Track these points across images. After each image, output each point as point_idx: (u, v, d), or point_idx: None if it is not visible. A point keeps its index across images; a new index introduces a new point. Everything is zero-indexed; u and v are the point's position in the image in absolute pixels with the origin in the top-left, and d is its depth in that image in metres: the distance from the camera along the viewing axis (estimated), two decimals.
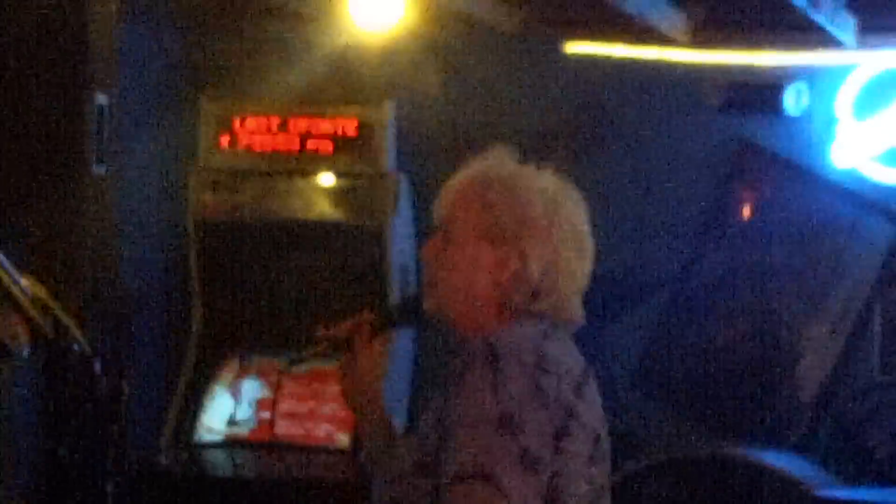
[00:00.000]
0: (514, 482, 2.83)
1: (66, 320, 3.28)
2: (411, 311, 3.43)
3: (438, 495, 2.91)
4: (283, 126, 6.87)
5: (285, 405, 6.66)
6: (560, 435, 2.91)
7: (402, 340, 6.88)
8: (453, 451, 2.86)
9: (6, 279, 3.23)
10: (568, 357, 3.03)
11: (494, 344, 2.93)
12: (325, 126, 6.87)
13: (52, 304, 3.36)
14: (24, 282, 3.48)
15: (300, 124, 6.87)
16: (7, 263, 3.32)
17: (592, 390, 3.04)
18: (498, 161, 3.08)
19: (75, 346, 3.19)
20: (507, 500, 2.84)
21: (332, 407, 6.64)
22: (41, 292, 3.36)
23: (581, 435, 2.94)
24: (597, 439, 2.99)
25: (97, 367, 3.24)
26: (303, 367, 5.80)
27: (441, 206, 3.06)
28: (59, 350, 3.19)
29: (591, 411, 3.00)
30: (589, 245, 3.06)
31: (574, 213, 3.05)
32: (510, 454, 2.84)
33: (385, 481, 3.14)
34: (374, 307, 3.30)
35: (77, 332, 3.28)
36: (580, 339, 3.09)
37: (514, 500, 2.83)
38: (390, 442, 3.22)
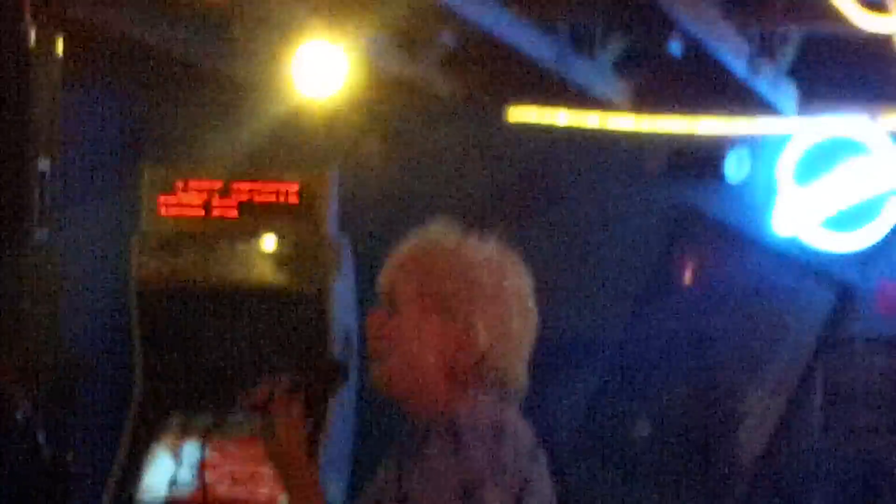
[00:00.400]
0: None
1: (9, 388, 3.27)
2: (340, 372, 3.39)
3: None
4: (225, 191, 6.87)
5: (227, 467, 6.58)
6: (519, 502, 2.92)
7: (343, 395, 6.63)
8: None
9: None
10: (522, 430, 3.02)
11: (455, 421, 2.93)
12: (267, 191, 6.88)
13: None
14: None
15: (242, 189, 6.87)
16: None
17: (543, 459, 3.04)
18: (441, 232, 3.09)
19: (18, 415, 3.17)
20: None
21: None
22: None
23: (535, 502, 2.95)
24: None
25: (40, 437, 3.23)
26: (227, 430, 5.86)
27: (384, 278, 3.05)
28: (1, 418, 3.19)
29: (544, 480, 3.00)
30: (533, 313, 3.06)
31: (518, 281, 3.06)
32: None
33: None
34: (296, 369, 3.28)
35: (21, 400, 3.28)
36: (521, 404, 3.08)
37: None
38: None
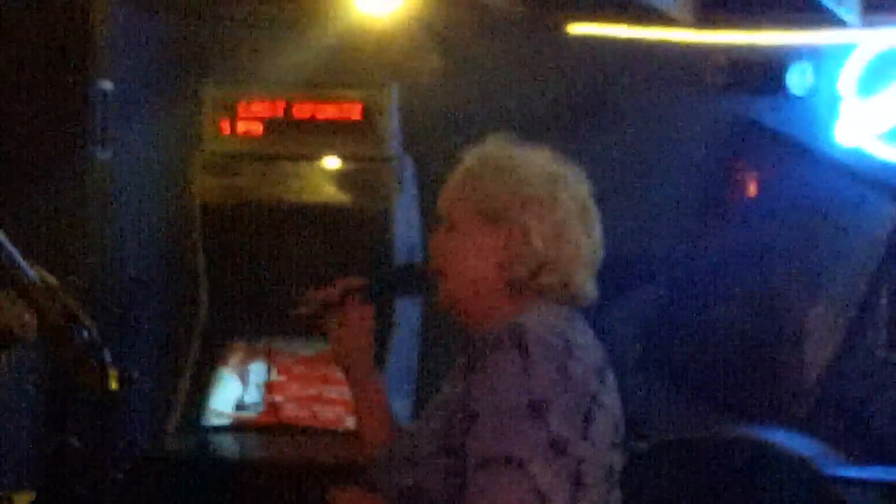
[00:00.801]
0: (543, 468, 2.87)
1: (75, 308, 3.27)
2: (408, 278, 3.59)
3: (462, 478, 2.93)
4: (287, 110, 6.77)
5: (293, 388, 6.67)
6: (587, 419, 2.95)
7: (406, 315, 6.82)
8: (480, 436, 2.89)
9: (13, 265, 3.20)
10: (590, 343, 3.06)
11: (522, 330, 2.94)
12: (330, 110, 6.77)
13: (60, 291, 3.35)
14: (32, 268, 3.41)
15: (304, 108, 6.76)
16: (13, 249, 3.30)
17: (611, 377, 3.07)
18: (496, 147, 3.14)
19: (84, 334, 3.16)
20: (535, 486, 2.86)
21: (340, 390, 6.57)
22: (50, 279, 3.35)
23: (604, 421, 2.98)
24: (616, 425, 3.03)
25: (107, 355, 3.26)
26: (293, 350, 5.94)
27: (443, 197, 3.13)
28: (67, 337, 3.17)
29: (612, 397, 3.04)
30: (595, 221, 3.09)
31: (576, 190, 3.09)
32: (539, 440, 2.88)
33: (401, 462, 3.12)
34: (367, 274, 3.41)
35: (86, 320, 3.27)
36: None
37: (541, 486, 2.86)
38: (383, 415, 3.34)
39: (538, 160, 3.15)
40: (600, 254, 3.13)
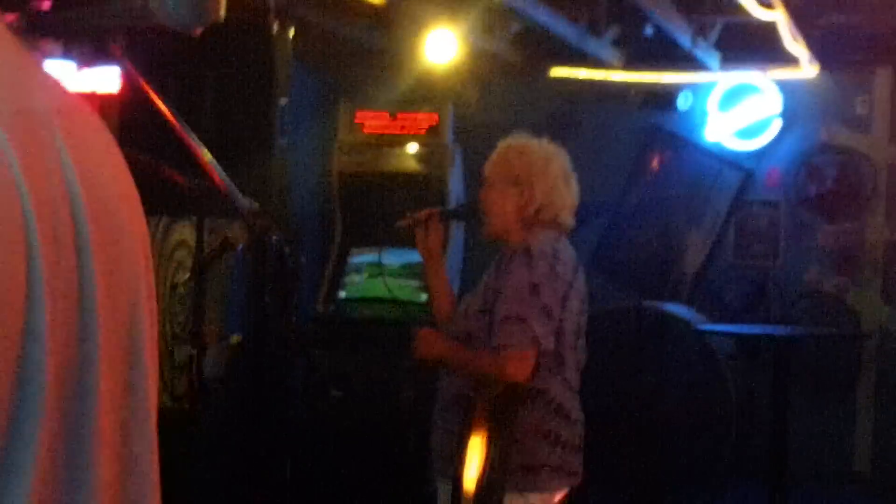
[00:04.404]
0: (538, 323, 3.40)
1: (269, 224, 3.40)
2: (462, 211, 4.52)
3: (492, 329, 3.46)
4: (391, 117, 7.88)
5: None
6: (565, 297, 3.48)
7: (456, 237, 7.55)
8: (503, 303, 3.44)
9: (234, 197, 3.33)
10: (569, 253, 3.59)
11: (528, 246, 3.46)
12: (417, 117, 7.89)
13: (261, 216, 3.42)
14: (244, 201, 3.44)
15: (400, 116, 7.88)
16: (236, 190, 3.39)
17: (581, 272, 3.61)
18: (516, 138, 3.73)
19: (274, 238, 3.33)
20: (533, 333, 3.39)
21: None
22: (254, 207, 3.43)
23: (576, 297, 3.54)
24: (583, 300, 3.62)
25: (287, 250, 3.42)
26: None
27: (485, 168, 3.72)
28: (265, 240, 3.33)
29: (581, 283, 3.58)
30: (572, 182, 3.67)
31: (562, 163, 3.66)
32: (537, 307, 3.40)
33: (458, 317, 3.62)
34: (440, 205, 4.19)
35: (275, 231, 3.40)
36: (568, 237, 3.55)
37: (538, 333, 3.39)
38: (448, 292, 3.77)
39: (538, 146, 3.63)
40: (576, 202, 3.65)
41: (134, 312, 0.76)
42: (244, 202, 3.32)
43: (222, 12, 3.53)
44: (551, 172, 3.62)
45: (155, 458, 0.80)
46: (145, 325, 0.78)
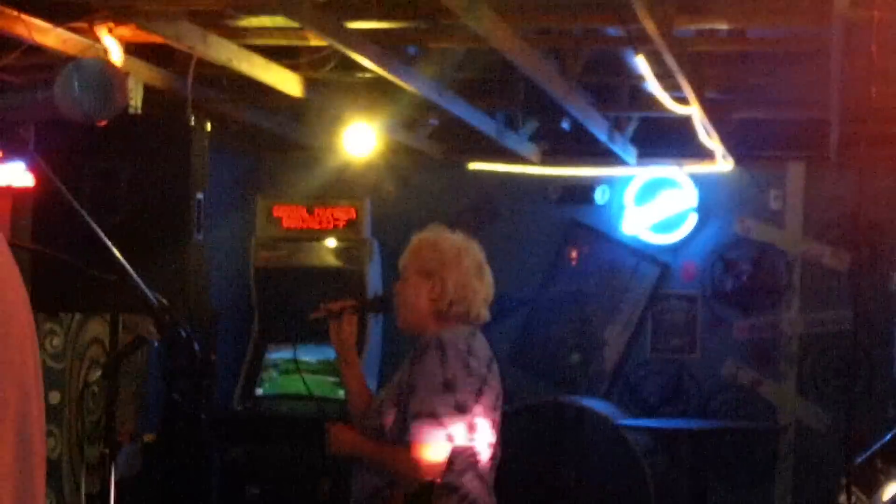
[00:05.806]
0: (451, 420, 3.36)
1: (179, 320, 3.37)
2: (377, 304, 4.30)
3: (405, 425, 3.40)
4: (308, 212, 8.09)
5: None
6: (479, 393, 3.42)
7: (375, 330, 7.81)
8: (416, 400, 3.36)
9: (144, 296, 3.29)
10: (483, 348, 3.53)
11: (442, 340, 3.40)
12: (332, 212, 8.08)
13: (171, 311, 3.38)
14: (152, 296, 3.32)
15: (317, 210, 8.09)
16: (147, 289, 3.33)
17: (496, 367, 3.54)
18: (430, 231, 3.68)
19: (183, 334, 3.28)
20: (446, 430, 3.35)
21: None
22: (164, 304, 3.37)
23: (490, 392, 3.47)
24: (497, 395, 3.54)
25: (196, 346, 3.30)
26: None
27: (401, 261, 3.67)
28: (174, 337, 3.29)
29: (495, 379, 3.52)
30: (487, 275, 3.60)
31: (475, 255, 3.61)
32: (450, 404, 3.36)
33: (371, 413, 3.54)
34: (355, 297, 3.92)
35: (185, 327, 3.35)
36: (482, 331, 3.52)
37: (450, 430, 3.34)
38: (362, 387, 3.69)
39: (451, 239, 3.58)
40: (491, 294, 3.60)
41: (25, 397, 0.76)
42: (152, 297, 3.22)
43: (130, 102, 3.52)
44: (464, 265, 3.57)
45: None
46: (34, 406, 0.79)
